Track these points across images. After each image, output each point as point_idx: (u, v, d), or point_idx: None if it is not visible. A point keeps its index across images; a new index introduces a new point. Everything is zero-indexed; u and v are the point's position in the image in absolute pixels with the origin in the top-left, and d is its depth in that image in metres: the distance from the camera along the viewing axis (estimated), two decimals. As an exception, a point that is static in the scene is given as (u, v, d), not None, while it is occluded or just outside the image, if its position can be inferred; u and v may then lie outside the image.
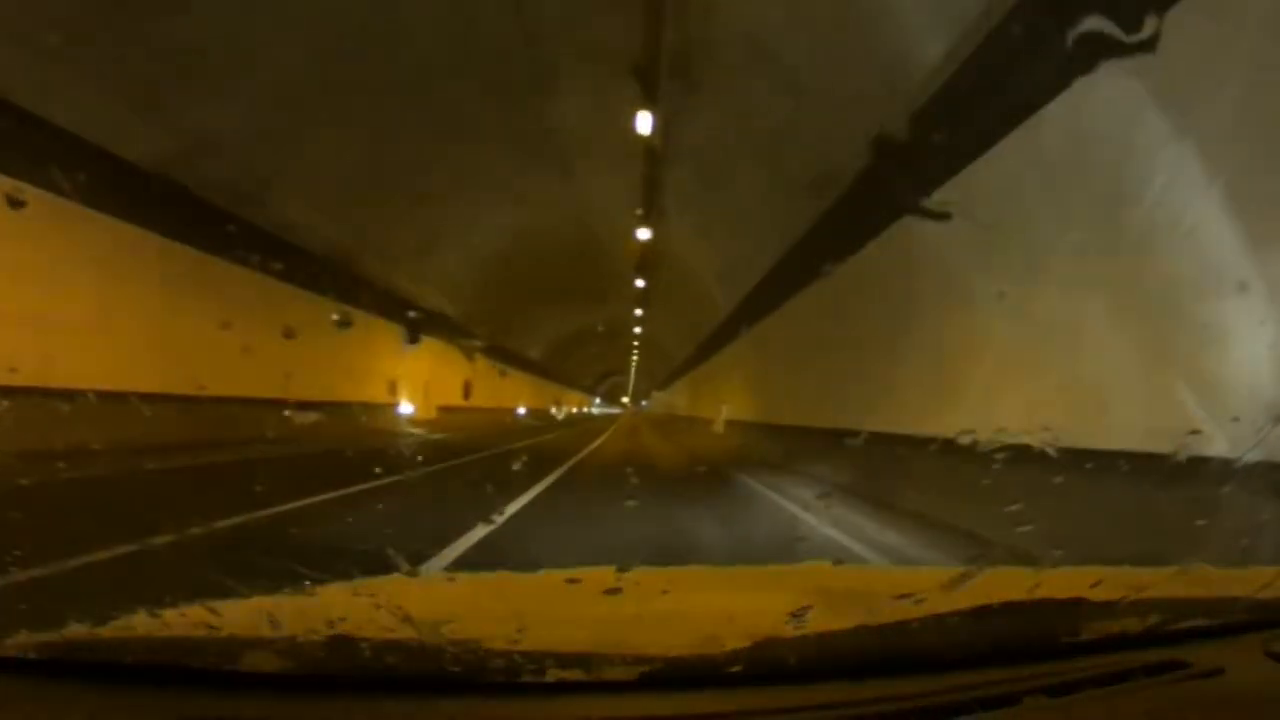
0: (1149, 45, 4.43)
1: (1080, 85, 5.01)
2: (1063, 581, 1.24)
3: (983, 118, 6.52)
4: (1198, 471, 3.05)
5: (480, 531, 4.73)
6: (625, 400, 75.12)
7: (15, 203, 5.55)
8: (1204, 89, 4.45)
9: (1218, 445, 3.31)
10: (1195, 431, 3.57)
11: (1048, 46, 5.42)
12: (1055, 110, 5.52)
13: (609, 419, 50.23)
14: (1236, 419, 3.28)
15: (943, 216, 7.38)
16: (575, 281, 22.98)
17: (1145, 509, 3.66)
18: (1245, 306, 4.19)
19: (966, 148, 6.92)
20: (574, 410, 53.31)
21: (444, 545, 4.38)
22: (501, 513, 5.51)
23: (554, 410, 45.36)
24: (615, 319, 30.92)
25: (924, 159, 7.55)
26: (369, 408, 17.52)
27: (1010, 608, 1.11)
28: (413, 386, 20.06)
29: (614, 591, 1.29)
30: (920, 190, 7.36)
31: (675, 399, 39.43)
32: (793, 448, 11.67)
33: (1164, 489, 3.38)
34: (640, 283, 22.70)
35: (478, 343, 21.78)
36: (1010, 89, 5.98)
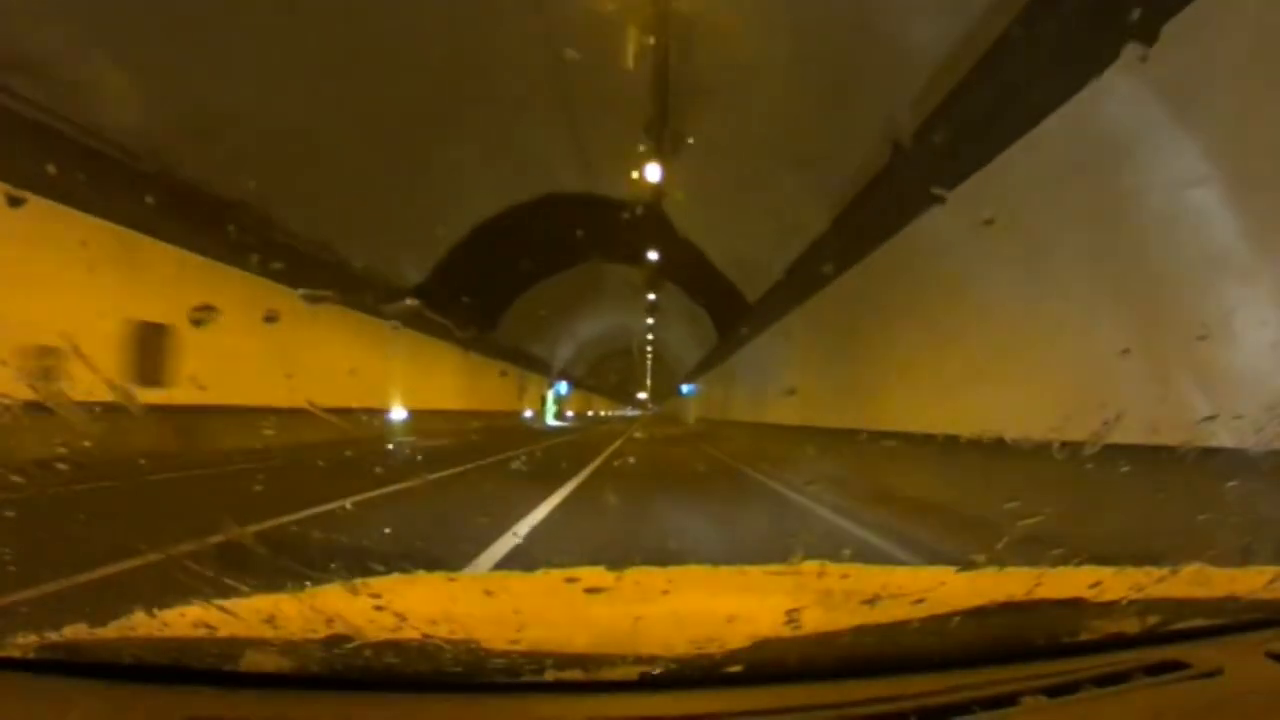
0: (1158, 46, 4.45)
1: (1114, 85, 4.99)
2: (1063, 581, 1.24)
3: (996, 123, 6.57)
4: (1199, 468, 3.05)
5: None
6: (642, 396, 42.33)
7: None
8: (1211, 89, 4.46)
9: (1220, 442, 3.30)
10: (1209, 418, 3.57)
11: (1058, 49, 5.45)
12: (1075, 114, 5.53)
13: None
14: (1239, 416, 3.27)
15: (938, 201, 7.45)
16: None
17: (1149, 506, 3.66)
18: (1248, 305, 4.19)
19: (973, 153, 6.97)
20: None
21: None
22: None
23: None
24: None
25: (939, 158, 7.59)
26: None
27: (1010, 608, 1.11)
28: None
29: (608, 590, 1.29)
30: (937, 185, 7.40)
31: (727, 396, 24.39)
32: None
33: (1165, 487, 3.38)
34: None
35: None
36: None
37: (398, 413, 16.63)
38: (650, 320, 29.36)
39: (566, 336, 30.26)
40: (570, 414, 37.56)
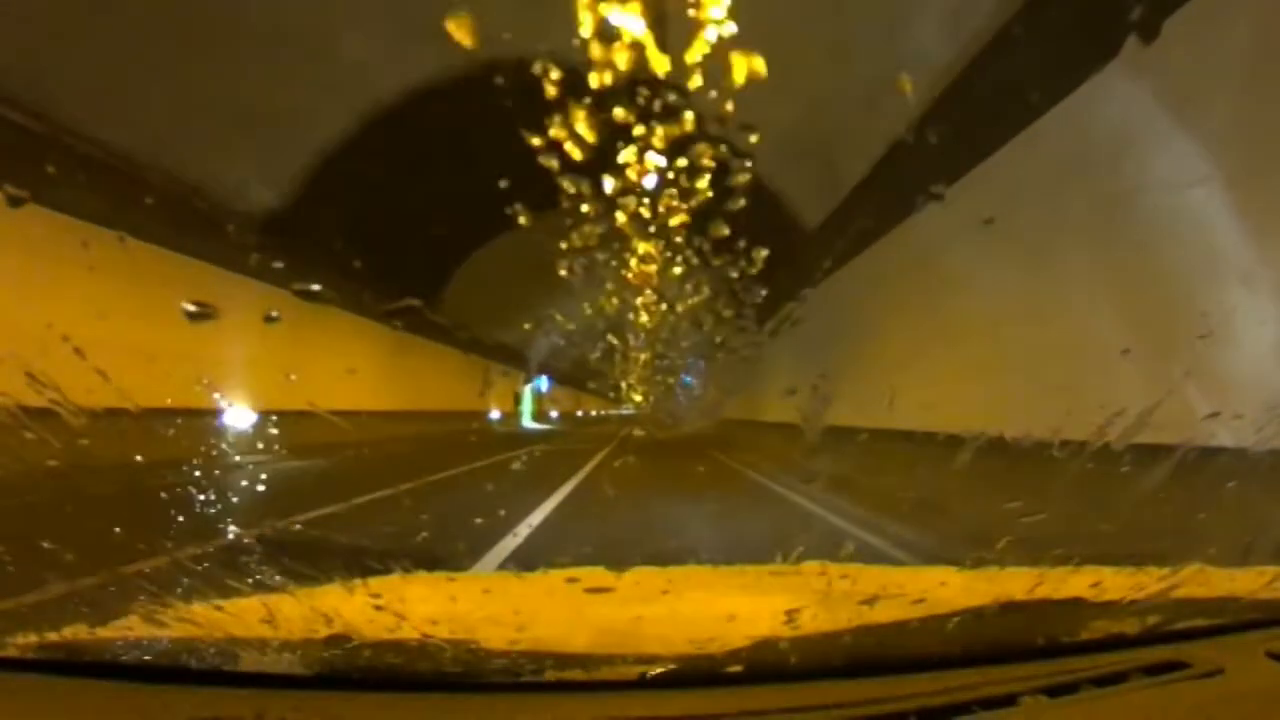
0: (1156, 45, 4.45)
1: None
2: (1063, 581, 1.24)
3: (992, 120, 6.55)
4: (1199, 468, 3.05)
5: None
6: (638, 399, 30.12)
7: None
8: (1213, 85, 4.47)
9: (1220, 442, 3.30)
10: (1211, 416, 3.57)
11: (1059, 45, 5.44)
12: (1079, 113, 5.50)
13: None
14: (1239, 416, 3.28)
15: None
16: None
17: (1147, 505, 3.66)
18: (1249, 304, 4.20)
19: (966, 151, 6.96)
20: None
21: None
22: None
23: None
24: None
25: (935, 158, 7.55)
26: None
27: (1010, 608, 1.11)
28: None
29: (608, 591, 1.30)
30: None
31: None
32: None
33: (1165, 485, 3.38)
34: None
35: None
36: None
37: (237, 416, 8.76)
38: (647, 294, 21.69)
39: (546, 322, 22.56)
40: (555, 414, 30.75)
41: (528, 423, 26.35)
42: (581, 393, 34.31)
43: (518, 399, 25.62)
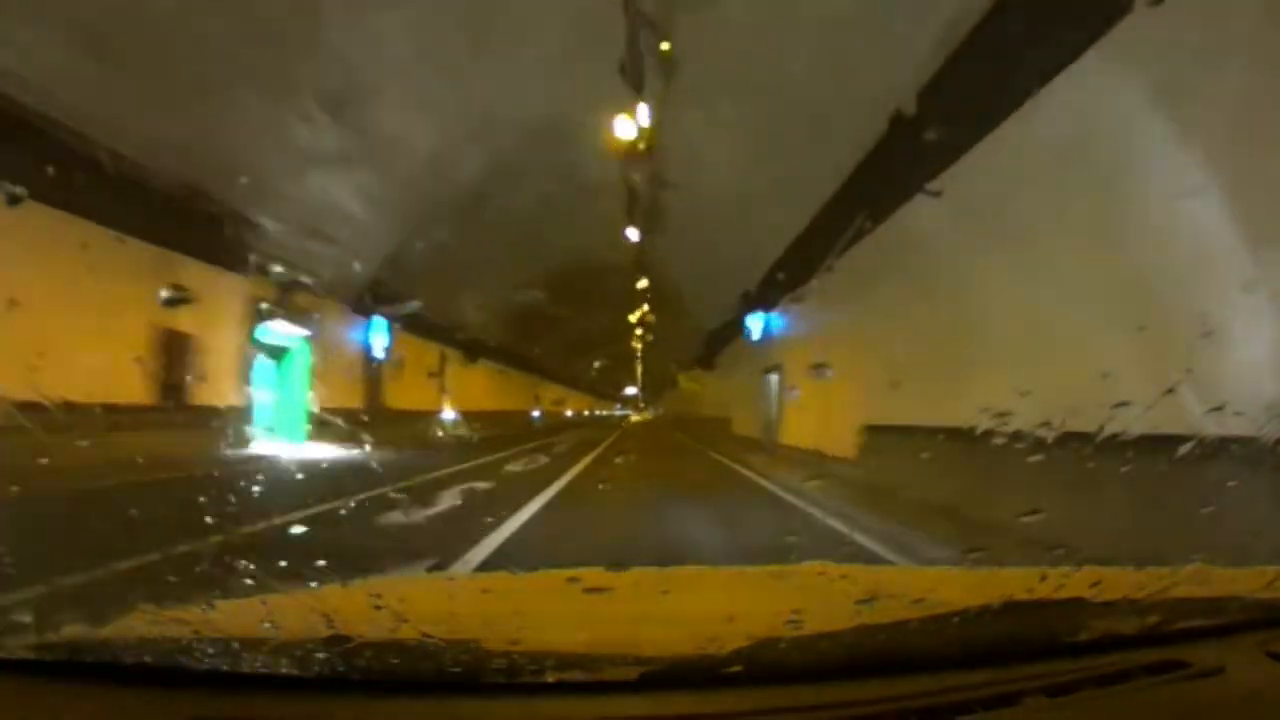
0: (1153, 37, 4.42)
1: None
2: (1063, 581, 1.24)
3: (982, 114, 6.51)
4: (1199, 467, 3.04)
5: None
6: (632, 391, 24.26)
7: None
8: (1210, 83, 4.44)
9: (1220, 442, 3.30)
10: (1213, 409, 3.56)
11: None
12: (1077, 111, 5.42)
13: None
14: (1240, 414, 3.27)
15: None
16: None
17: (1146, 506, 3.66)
18: (1249, 304, 4.19)
19: (957, 144, 6.91)
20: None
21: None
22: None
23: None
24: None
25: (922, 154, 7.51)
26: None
27: (1010, 608, 1.11)
28: None
29: (608, 591, 1.30)
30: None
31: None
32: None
33: (1165, 485, 3.38)
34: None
35: None
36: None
37: None
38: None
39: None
40: (450, 416, 17.46)
41: (290, 442, 11.38)
42: (547, 381, 21.53)
43: (249, 368, 11.24)
